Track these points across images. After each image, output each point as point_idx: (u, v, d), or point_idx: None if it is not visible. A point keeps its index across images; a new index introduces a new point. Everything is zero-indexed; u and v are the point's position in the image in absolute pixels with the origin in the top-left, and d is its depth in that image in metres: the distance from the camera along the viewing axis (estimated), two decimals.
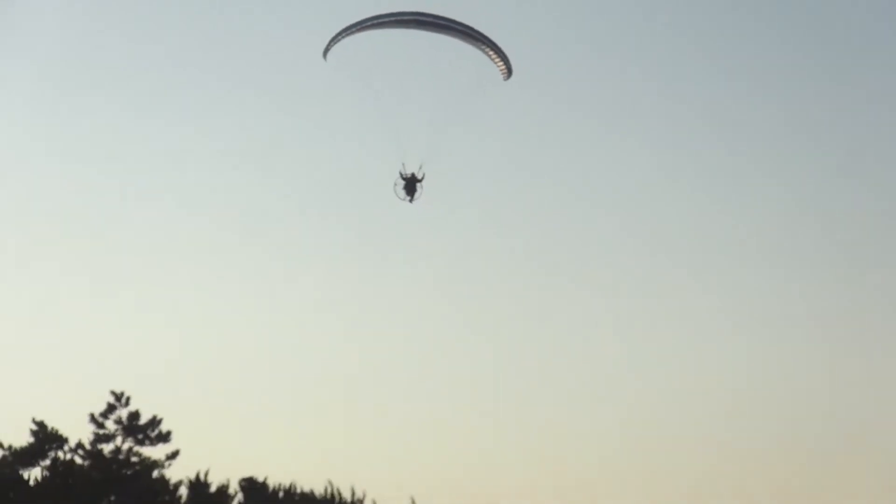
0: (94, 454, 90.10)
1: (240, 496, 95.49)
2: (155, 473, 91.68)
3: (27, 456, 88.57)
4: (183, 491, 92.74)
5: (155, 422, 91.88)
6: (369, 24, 49.81)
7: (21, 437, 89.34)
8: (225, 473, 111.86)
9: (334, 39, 50.84)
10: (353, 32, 50.49)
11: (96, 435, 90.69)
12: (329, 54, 51.25)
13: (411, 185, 51.89)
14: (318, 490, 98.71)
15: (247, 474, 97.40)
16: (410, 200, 52.18)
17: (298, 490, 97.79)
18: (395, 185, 51.97)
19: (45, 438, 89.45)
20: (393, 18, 49.97)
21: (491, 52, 51.74)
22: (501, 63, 51.87)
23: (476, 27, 50.61)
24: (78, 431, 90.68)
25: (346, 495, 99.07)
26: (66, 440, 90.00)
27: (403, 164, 52.01)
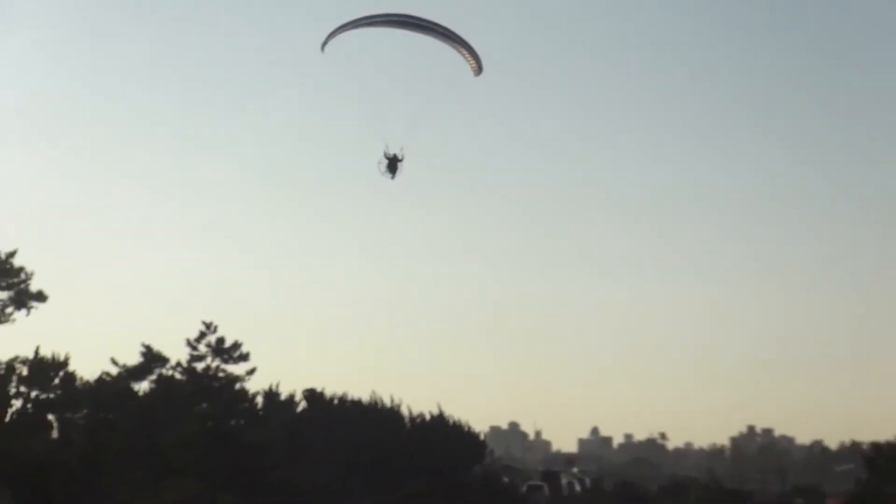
0: (189, 371, 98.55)
1: (303, 403, 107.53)
2: (237, 386, 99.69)
3: (137, 372, 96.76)
4: (259, 400, 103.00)
5: (237, 345, 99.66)
6: (363, 22, 52.31)
7: (132, 358, 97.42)
8: (292, 385, 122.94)
9: (332, 34, 52.63)
10: (348, 29, 52.62)
11: (191, 356, 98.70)
12: (326, 47, 53.14)
13: (393, 164, 52.86)
14: (365, 398, 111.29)
15: (309, 386, 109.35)
16: (392, 177, 53.11)
17: (349, 398, 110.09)
18: (379, 164, 52.86)
19: (151, 358, 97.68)
20: (383, 18, 52.32)
21: (464, 51, 53.90)
22: (473, 61, 54.15)
23: (453, 29, 53.11)
24: (177, 353, 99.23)
25: (387, 402, 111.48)
26: (167, 360, 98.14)
27: (387, 146, 53.00)
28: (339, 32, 52.50)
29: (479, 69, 54.34)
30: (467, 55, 53.86)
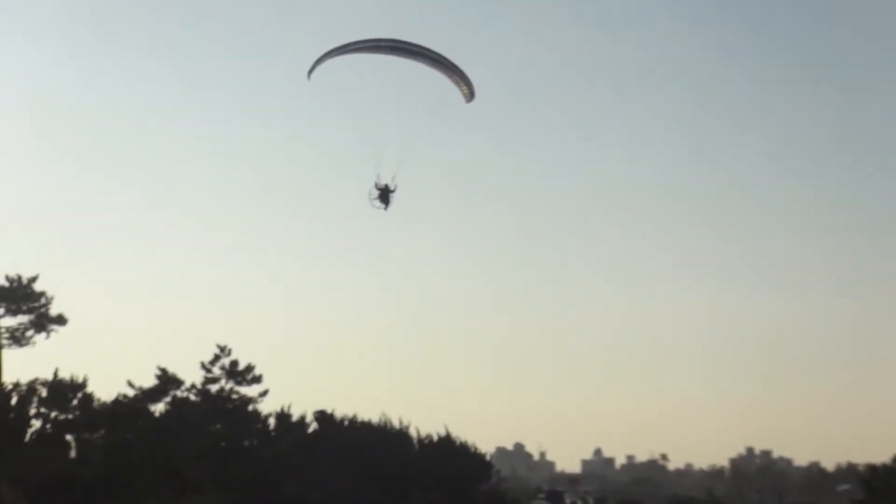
0: (203, 393, 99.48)
1: (314, 424, 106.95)
2: (250, 407, 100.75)
3: (153, 394, 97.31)
4: (271, 421, 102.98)
5: (250, 368, 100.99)
6: (351, 48, 48.98)
7: (148, 380, 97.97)
8: (303, 407, 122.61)
9: (319, 61, 49.50)
10: (335, 55, 49.45)
11: (205, 378, 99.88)
12: (313, 74, 50.02)
13: (385, 195, 49.66)
14: (375, 419, 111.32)
15: (320, 408, 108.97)
16: (385, 209, 49.95)
17: (359, 419, 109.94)
18: (370, 194, 49.75)
19: (167, 381, 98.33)
20: (371, 44, 48.98)
21: (456, 77, 50.73)
22: (465, 87, 51.06)
23: (443, 53, 50.17)
24: (191, 375, 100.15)
25: (396, 423, 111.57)
26: (182, 382, 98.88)
27: (378, 176, 49.88)
28: (327, 59, 49.77)
29: (471, 95, 51.69)
30: (459, 81, 51.24)
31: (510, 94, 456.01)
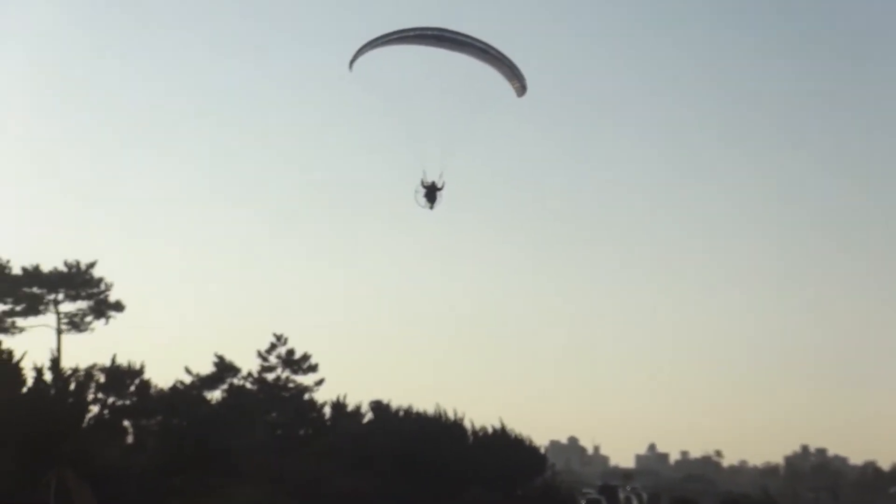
0: (260, 381, 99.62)
1: (370, 414, 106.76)
2: (306, 396, 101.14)
3: (210, 381, 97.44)
4: (327, 410, 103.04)
5: (306, 357, 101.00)
6: (394, 37, 45.48)
7: (205, 367, 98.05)
8: (359, 397, 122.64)
9: (360, 51, 46.14)
10: (377, 45, 45.94)
11: (262, 366, 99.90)
12: (354, 65, 46.67)
13: (432, 193, 46.81)
14: (430, 411, 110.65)
15: (376, 398, 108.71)
16: (431, 207, 47.12)
17: (414, 411, 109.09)
18: (417, 192, 46.79)
19: (224, 368, 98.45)
20: (416, 33, 45.52)
21: (507, 70, 47.06)
22: (516, 80, 47.43)
23: (493, 44, 46.46)
24: (248, 363, 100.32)
25: (451, 415, 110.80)
26: (239, 370, 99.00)
27: (424, 173, 46.92)
28: (369, 49, 46.05)
29: (522, 89, 47.79)
30: (510, 74, 47.23)
31: (565, 88, 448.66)
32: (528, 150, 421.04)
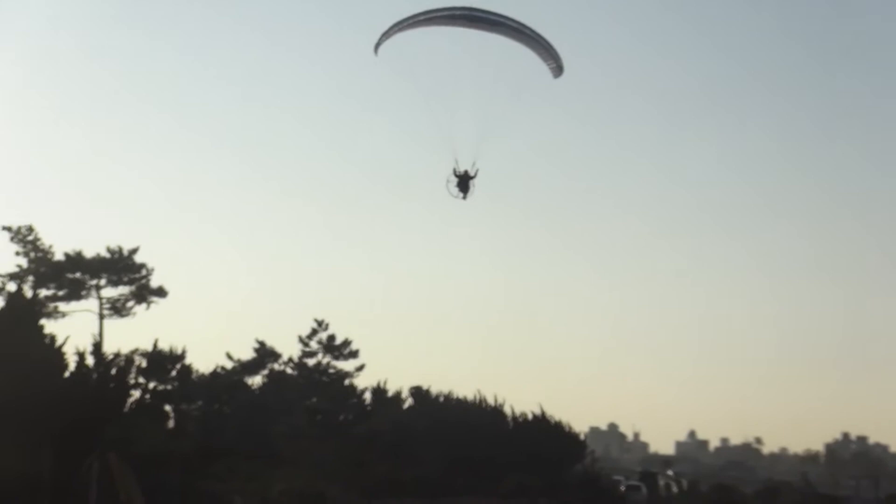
0: (300, 366, 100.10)
1: (410, 400, 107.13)
2: (346, 382, 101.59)
3: (251, 367, 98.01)
4: (367, 396, 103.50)
5: (347, 342, 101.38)
6: (422, 19, 42.52)
7: (246, 353, 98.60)
8: (399, 382, 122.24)
9: (386, 34, 43.09)
10: (404, 28, 42.94)
11: (303, 352, 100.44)
12: (380, 49, 43.61)
13: (464, 182, 43.96)
14: (470, 397, 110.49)
15: (416, 384, 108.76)
16: (464, 198, 44.24)
17: (454, 396, 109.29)
18: (448, 182, 44.03)
19: (264, 354, 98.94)
20: (445, 14, 42.29)
21: (542, 50, 43.81)
22: (553, 61, 44.18)
23: (526, 22, 43.22)
24: (289, 349, 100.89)
25: (490, 401, 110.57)
26: (280, 355, 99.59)
27: (456, 161, 43.97)
28: (396, 32, 43.02)
29: (559, 69, 44.43)
30: (545, 54, 43.99)
31: (603, 70, 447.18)
32: (567, 133, 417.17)
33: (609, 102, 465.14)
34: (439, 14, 42.66)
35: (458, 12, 42.59)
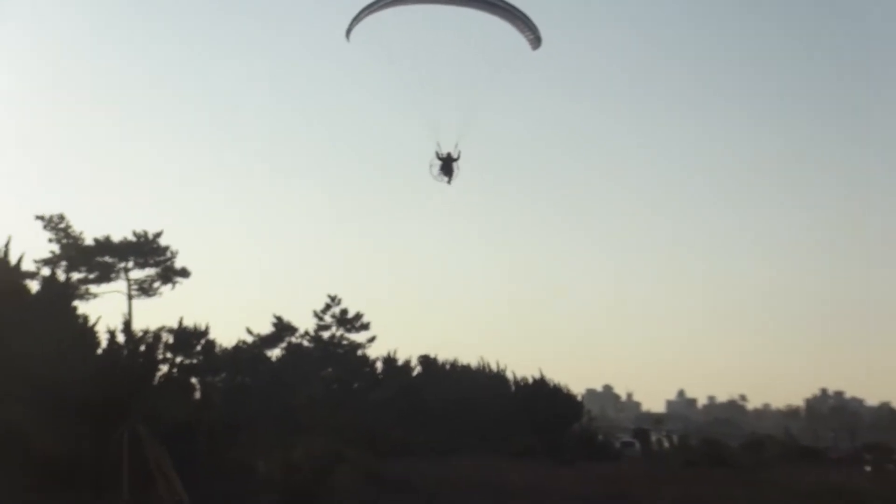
0: (316, 339, 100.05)
1: (419, 368, 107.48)
2: (359, 352, 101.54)
3: (270, 340, 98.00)
4: (378, 365, 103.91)
5: (358, 316, 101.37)
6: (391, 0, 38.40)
7: (265, 327, 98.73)
8: (408, 352, 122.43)
9: (356, 18, 39.00)
10: (375, 10, 38.75)
11: (318, 325, 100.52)
12: (352, 34, 39.42)
13: (448, 165, 39.67)
14: (474, 363, 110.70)
15: (423, 352, 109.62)
16: (448, 181, 39.87)
17: (460, 363, 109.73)
18: (432, 166, 39.76)
19: (282, 328, 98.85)
20: None
21: (519, 22, 39.51)
22: (529, 32, 39.68)
23: None
24: (305, 323, 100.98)
25: (493, 367, 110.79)
26: (296, 329, 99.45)
27: (438, 144, 39.55)
28: (366, 15, 38.80)
29: (537, 41, 39.86)
30: (522, 26, 39.55)
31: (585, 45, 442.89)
32: (556, 108, 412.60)
33: (603, 76, 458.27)
34: None
35: None
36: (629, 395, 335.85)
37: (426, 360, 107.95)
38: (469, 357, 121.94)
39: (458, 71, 40.38)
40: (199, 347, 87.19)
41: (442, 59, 41.76)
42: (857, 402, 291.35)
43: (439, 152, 40.09)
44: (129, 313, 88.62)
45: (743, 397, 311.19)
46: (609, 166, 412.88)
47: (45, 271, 79.20)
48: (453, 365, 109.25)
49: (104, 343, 71.46)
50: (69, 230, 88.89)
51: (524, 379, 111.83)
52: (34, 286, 68.55)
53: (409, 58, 39.90)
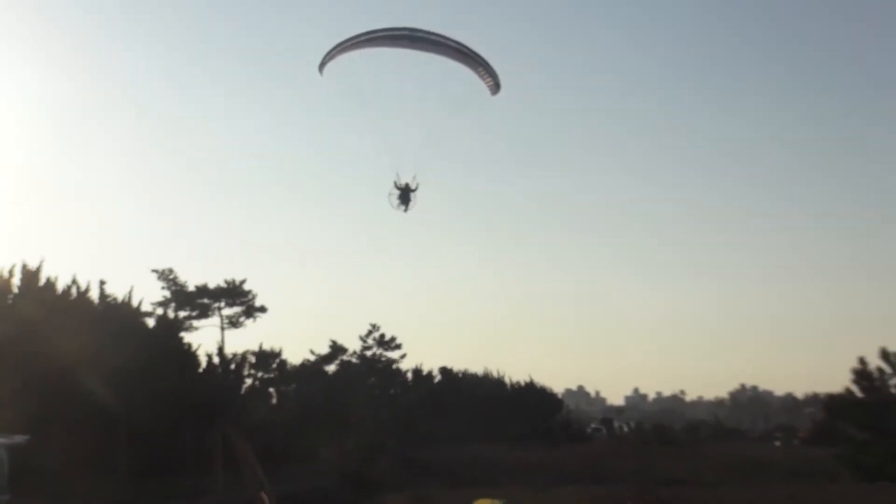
0: (361, 357, 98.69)
1: (439, 377, 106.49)
2: (394, 366, 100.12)
3: (327, 359, 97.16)
4: (409, 375, 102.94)
5: (393, 338, 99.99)
6: (364, 38, 33.44)
7: (323, 349, 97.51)
8: (430, 364, 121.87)
9: (329, 54, 34.06)
10: (348, 48, 33.78)
11: (362, 346, 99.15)
12: (325, 69, 34.47)
13: (405, 195, 34.32)
14: (480, 372, 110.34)
15: (443, 364, 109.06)
16: (405, 210, 34.53)
17: (470, 372, 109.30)
18: (390, 195, 34.29)
19: (336, 349, 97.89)
20: (387, 34, 33.18)
21: (480, 69, 34.62)
22: (490, 78, 34.85)
23: (465, 42, 34.22)
24: (353, 344, 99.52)
25: (494, 374, 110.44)
26: (346, 350, 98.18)
27: (398, 175, 34.41)
28: (339, 52, 33.75)
29: (496, 87, 35.04)
30: (483, 73, 34.77)
31: (539, 84, 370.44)
32: (535, 128, 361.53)
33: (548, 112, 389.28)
34: (382, 34, 33.62)
35: (399, 33, 33.61)
36: (597, 393, 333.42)
37: (445, 371, 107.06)
38: (475, 365, 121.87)
39: (420, 110, 34.05)
40: (274, 365, 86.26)
41: (406, 97, 34.36)
42: (769, 394, 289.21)
43: (398, 182, 34.37)
44: (222, 341, 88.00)
45: (682, 392, 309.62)
46: (562, 191, 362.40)
47: (159, 311, 79.19)
48: (465, 373, 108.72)
49: (203, 363, 71.64)
50: (176, 279, 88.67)
51: (517, 383, 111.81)
52: (151, 322, 68.46)
53: (375, 94, 34.47)
